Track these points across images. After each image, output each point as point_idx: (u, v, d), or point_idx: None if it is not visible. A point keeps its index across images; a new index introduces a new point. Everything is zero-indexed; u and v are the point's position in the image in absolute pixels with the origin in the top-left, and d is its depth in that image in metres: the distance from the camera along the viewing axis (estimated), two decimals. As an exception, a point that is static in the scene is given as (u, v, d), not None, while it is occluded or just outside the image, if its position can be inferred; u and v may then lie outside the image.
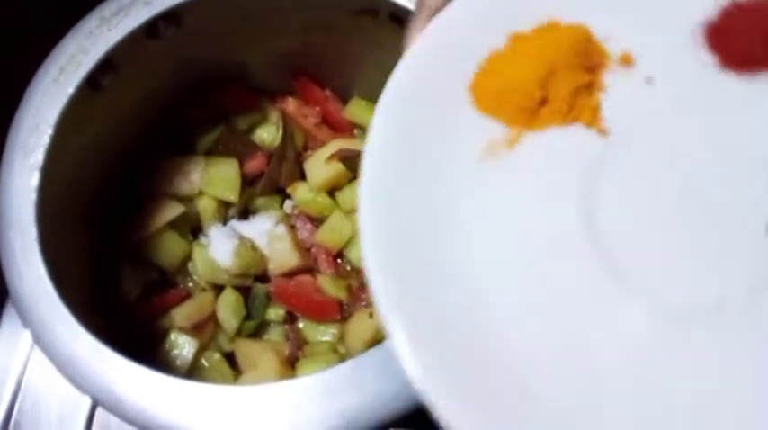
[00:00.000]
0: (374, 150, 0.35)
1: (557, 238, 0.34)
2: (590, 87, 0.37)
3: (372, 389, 0.43)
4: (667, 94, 0.37)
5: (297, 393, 0.43)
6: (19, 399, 0.65)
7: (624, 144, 0.36)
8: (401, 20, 0.54)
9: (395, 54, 0.59)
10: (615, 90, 0.37)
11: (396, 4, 0.54)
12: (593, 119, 0.37)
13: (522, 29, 0.37)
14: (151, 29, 0.54)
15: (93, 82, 0.53)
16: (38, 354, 0.66)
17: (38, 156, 0.49)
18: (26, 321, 0.46)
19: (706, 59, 0.37)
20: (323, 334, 0.61)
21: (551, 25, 0.37)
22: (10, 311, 0.67)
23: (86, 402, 0.64)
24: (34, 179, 0.48)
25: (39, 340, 0.46)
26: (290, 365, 0.59)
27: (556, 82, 0.36)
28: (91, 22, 0.52)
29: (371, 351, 0.44)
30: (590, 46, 0.37)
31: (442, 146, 0.35)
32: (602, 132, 0.36)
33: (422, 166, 0.35)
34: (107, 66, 0.53)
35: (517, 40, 0.37)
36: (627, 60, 0.38)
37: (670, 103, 0.37)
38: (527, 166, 0.35)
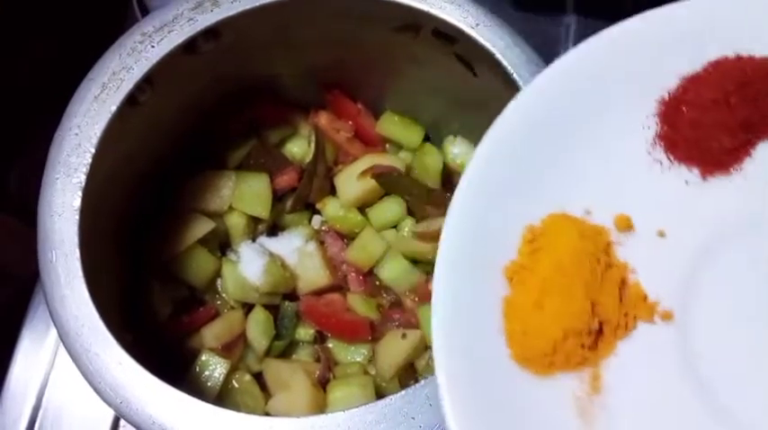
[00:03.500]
0: None
1: None
2: (624, 282, 0.34)
3: (410, 427, 0.42)
4: (685, 238, 0.34)
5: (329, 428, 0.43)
6: (40, 415, 0.64)
7: (691, 315, 0.33)
8: (444, 35, 0.53)
9: (430, 69, 0.59)
10: (641, 263, 0.34)
11: (440, 20, 0.53)
12: (649, 310, 0.34)
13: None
14: (190, 45, 0.53)
15: (131, 98, 0.51)
16: (59, 370, 0.65)
17: (81, 176, 0.48)
18: (70, 348, 0.44)
19: (692, 178, 0.35)
20: (353, 354, 0.61)
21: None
22: (30, 326, 0.66)
23: (108, 418, 0.63)
24: (77, 200, 0.47)
25: (81, 365, 0.45)
26: (321, 387, 0.58)
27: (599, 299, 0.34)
28: (134, 38, 0.51)
29: (410, 389, 0.43)
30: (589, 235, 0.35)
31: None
32: (666, 317, 0.34)
33: None
34: (146, 82, 0.52)
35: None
36: (627, 225, 0.35)
37: (693, 245, 0.34)
38: (622, 399, 0.33)
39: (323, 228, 0.65)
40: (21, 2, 0.65)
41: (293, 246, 0.63)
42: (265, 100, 0.64)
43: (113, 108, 0.50)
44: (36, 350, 0.67)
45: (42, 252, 0.47)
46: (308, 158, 0.64)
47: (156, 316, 0.58)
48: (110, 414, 0.64)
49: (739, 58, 0.34)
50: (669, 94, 0.35)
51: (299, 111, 0.66)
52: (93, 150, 0.49)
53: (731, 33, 0.34)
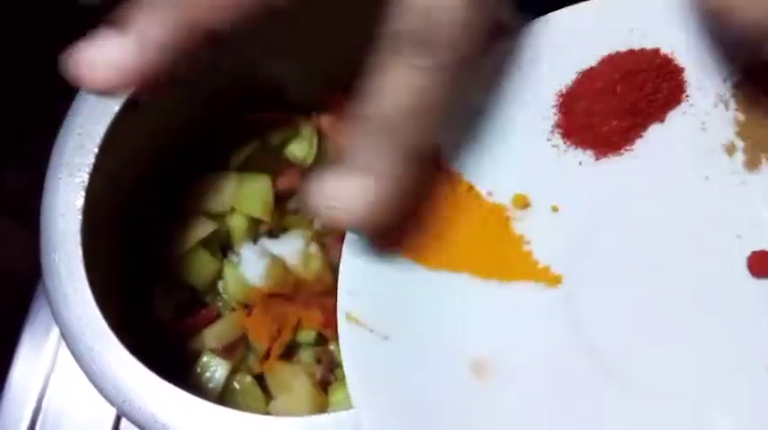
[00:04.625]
0: None
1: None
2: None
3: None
4: (576, 212, 0.37)
5: (330, 428, 0.43)
6: (41, 417, 0.64)
7: (579, 279, 0.36)
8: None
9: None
10: (535, 235, 0.37)
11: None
12: (539, 274, 0.37)
13: None
14: (192, 46, 0.53)
15: (134, 100, 0.51)
16: (59, 372, 0.65)
17: (83, 176, 0.48)
18: (73, 348, 0.44)
19: (586, 159, 0.38)
20: (355, 356, 0.60)
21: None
22: (30, 330, 0.66)
23: (109, 421, 0.63)
24: (80, 200, 0.47)
25: (84, 365, 0.45)
26: (323, 389, 0.58)
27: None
28: (137, 39, 0.51)
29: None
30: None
31: None
32: (555, 281, 0.37)
33: None
34: (148, 83, 0.52)
35: None
36: (524, 203, 0.38)
37: (583, 219, 0.37)
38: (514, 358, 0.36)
39: (324, 230, 0.65)
40: (22, 2, 0.65)
41: (295, 247, 0.62)
42: (267, 102, 0.64)
43: (116, 109, 0.50)
44: (36, 352, 0.66)
45: (45, 252, 0.47)
46: (310, 160, 0.64)
47: (158, 317, 0.58)
48: (110, 416, 0.64)
49: (630, 51, 0.37)
50: (566, 87, 0.38)
51: (302, 113, 0.66)
52: (95, 151, 0.49)
53: (624, 30, 0.37)
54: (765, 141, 0.37)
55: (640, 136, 0.37)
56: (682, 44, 0.37)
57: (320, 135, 0.64)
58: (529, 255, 0.37)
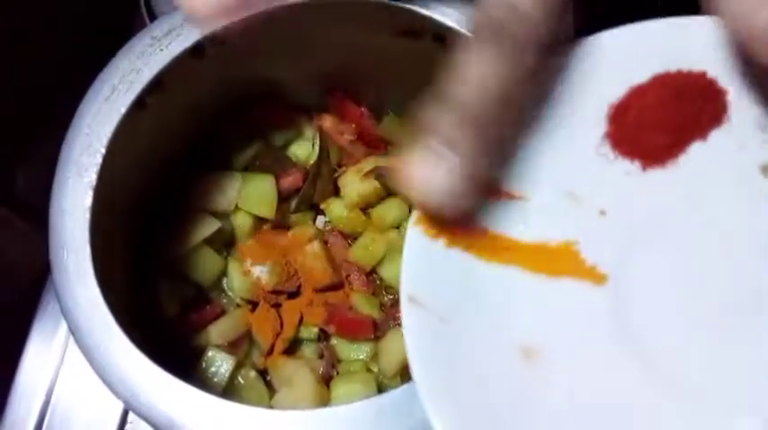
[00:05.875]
0: None
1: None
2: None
3: (411, 421, 0.43)
4: (623, 218, 0.39)
5: (332, 421, 0.44)
6: (49, 412, 0.65)
7: (624, 280, 0.38)
8: (445, 39, 0.54)
9: (432, 72, 0.60)
10: (584, 236, 0.39)
11: (440, 25, 0.54)
12: (586, 272, 0.38)
13: None
14: (198, 49, 0.54)
15: (141, 100, 0.52)
16: (67, 368, 0.66)
17: (92, 176, 0.49)
18: (82, 343, 0.46)
19: (633, 170, 0.39)
20: (356, 352, 0.62)
21: None
22: (39, 326, 0.67)
23: (116, 416, 0.64)
24: (88, 198, 0.48)
25: (92, 360, 0.46)
26: (325, 384, 0.59)
27: None
28: (143, 41, 0.52)
29: (411, 383, 0.44)
30: None
31: None
32: (601, 279, 0.38)
33: None
34: (154, 85, 0.53)
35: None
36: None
37: (629, 224, 0.39)
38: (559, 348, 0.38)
39: (327, 228, 0.66)
40: (32, 4, 0.66)
41: (298, 245, 0.64)
42: (270, 103, 0.65)
43: (123, 109, 0.51)
44: (46, 347, 0.68)
45: (54, 250, 0.48)
46: (313, 160, 0.65)
47: (164, 313, 0.59)
48: (117, 412, 0.65)
49: (679, 72, 0.39)
50: (617, 100, 0.39)
51: (304, 114, 0.67)
52: (103, 151, 0.50)
53: (673, 53, 0.39)
54: None
55: (684, 151, 0.39)
56: (725, 70, 0.39)
57: (322, 135, 0.65)
58: (577, 254, 0.39)
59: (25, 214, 0.67)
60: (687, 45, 0.39)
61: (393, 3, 0.53)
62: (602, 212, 0.39)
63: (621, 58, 0.39)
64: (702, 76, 0.39)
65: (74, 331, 0.46)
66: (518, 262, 0.39)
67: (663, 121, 0.39)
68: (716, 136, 0.39)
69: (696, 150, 0.39)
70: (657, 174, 0.39)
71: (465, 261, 0.38)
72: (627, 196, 0.39)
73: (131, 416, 0.64)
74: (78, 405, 0.66)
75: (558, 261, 0.39)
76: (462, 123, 0.34)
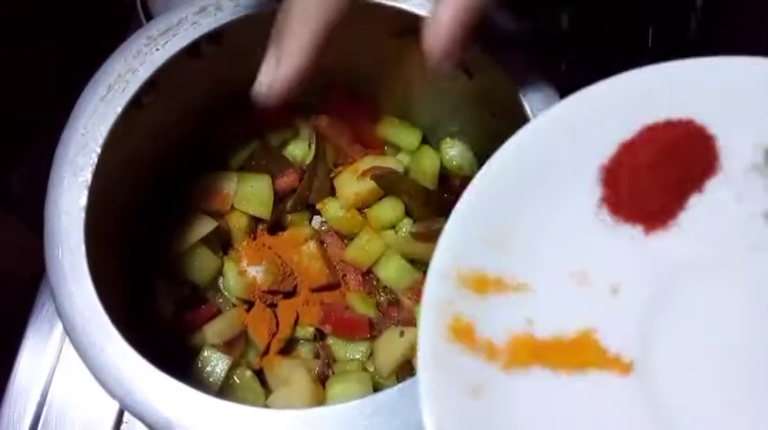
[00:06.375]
0: None
1: None
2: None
3: (406, 420, 0.43)
4: (636, 292, 0.37)
5: (328, 420, 0.44)
6: (44, 412, 0.65)
7: (651, 364, 0.36)
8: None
9: (427, 72, 0.60)
10: (600, 322, 0.37)
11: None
12: (611, 363, 0.36)
13: None
14: (194, 48, 0.54)
15: (137, 100, 0.52)
16: (63, 368, 0.66)
17: (87, 175, 0.49)
18: (77, 343, 0.46)
19: (633, 233, 0.38)
20: (352, 351, 0.62)
21: None
22: (34, 326, 0.67)
23: (111, 416, 0.64)
24: (83, 198, 0.48)
25: (87, 359, 0.46)
26: (321, 383, 0.60)
27: None
28: (139, 41, 0.52)
29: (406, 383, 0.44)
30: None
31: None
32: (627, 369, 0.36)
33: None
34: (150, 85, 0.53)
35: None
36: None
37: (644, 298, 0.37)
38: None
39: (323, 228, 0.67)
40: (27, 4, 0.66)
41: (293, 245, 0.64)
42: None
43: (119, 109, 0.51)
44: (41, 347, 0.68)
45: (49, 249, 0.48)
46: (309, 160, 0.65)
47: (160, 313, 0.59)
48: (113, 411, 0.65)
49: (668, 122, 0.38)
50: (609, 161, 0.38)
51: (300, 114, 0.67)
52: (98, 150, 0.50)
53: (659, 101, 0.38)
54: None
55: (683, 208, 0.38)
56: (713, 114, 0.38)
57: (318, 135, 0.65)
58: (597, 343, 0.36)
59: (21, 214, 0.67)
60: (674, 92, 0.38)
61: (391, 3, 0.53)
62: (615, 290, 0.37)
63: (610, 113, 0.38)
64: (690, 122, 0.38)
65: (69, 331, 0.46)
66: (536, 360, 0.36)
67: (657, 179, 0.38)
68: (712, 186, 0.38)
69: (694, 205, 0.38)
70: (661, 237, 0.38)
71: (485, 371, 0.36)
72: (636, 267, 0.37)
73: (127, 415, 0.64)
74: (74, 404, 0.65)
75: (578, 353, 0.36)
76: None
